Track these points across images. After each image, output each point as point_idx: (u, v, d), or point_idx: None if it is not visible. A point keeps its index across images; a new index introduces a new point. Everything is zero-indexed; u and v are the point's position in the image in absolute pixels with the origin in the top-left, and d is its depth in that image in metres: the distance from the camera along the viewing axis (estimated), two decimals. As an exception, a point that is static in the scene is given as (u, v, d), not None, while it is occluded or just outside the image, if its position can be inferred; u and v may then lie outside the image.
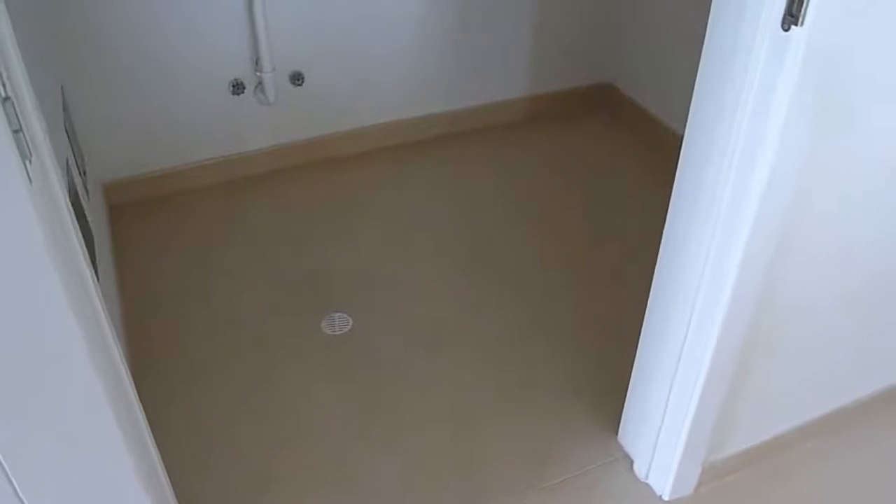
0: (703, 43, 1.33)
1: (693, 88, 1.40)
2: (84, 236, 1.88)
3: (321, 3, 2.54)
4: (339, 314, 2.23)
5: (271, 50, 2.47)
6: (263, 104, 2.60)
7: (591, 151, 2.95)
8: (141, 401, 1.33)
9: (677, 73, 2.77)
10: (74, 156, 2.12)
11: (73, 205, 1.80)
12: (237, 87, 2.57)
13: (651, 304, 1.65)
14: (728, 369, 1.58)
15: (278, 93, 2.58)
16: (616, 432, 1.92)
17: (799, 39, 1.14)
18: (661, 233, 1.55)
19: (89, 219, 2.05)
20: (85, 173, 2.26)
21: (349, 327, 2.20)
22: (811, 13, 1.11)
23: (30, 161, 0.80)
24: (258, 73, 2.52)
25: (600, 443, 1.92)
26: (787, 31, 1.15)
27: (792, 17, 1.13)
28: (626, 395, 1.84)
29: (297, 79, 2.61)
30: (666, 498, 1.79)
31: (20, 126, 0.75)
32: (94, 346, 0.98)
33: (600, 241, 2.52)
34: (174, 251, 2.47)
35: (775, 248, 1.40)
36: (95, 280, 1.08)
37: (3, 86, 0.76)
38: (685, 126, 1.44)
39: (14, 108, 0.75)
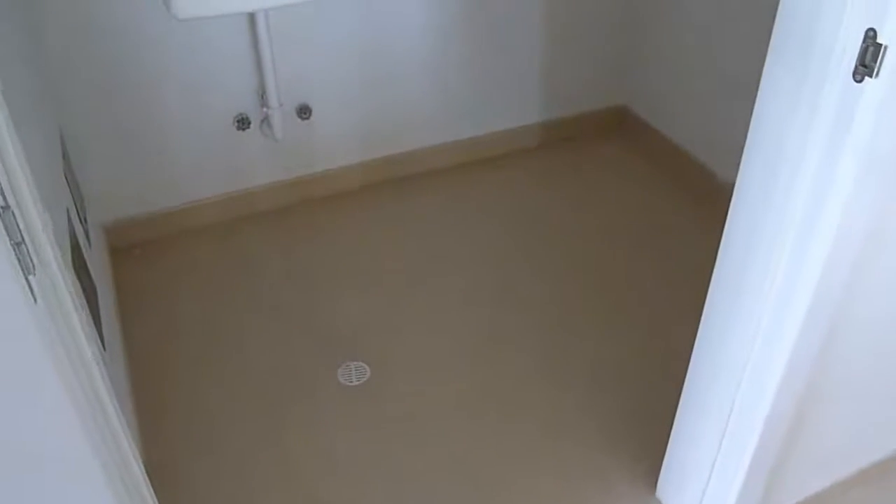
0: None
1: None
2: (86, 290, 1.78)
3: (329, 36, 2.45)
4: (355, 363, 2.13)
5: (278, 84, 2.38)
6: (270, 139, 2.50)
7: (606, 178, 2.85)
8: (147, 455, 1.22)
9: (693, 94, 2.69)
10: (75, 203, 2.02)
11: (74, 258, 1.70)
12: (242, 123, 2.47)
13: (691, 377, 1.56)
14: (779, 434, 1.48)
15: (285, 128, 2.48)
16: (654, 487, 1.82)
17: (873, 92, 1.04)
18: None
19: (91, 270, 1.95)
20: (86, 220, 2.16)
21: (366, 377, 2.10)
22: (888, 64, 1.01)
23: (33, 274, 0.69)
24: (264, 109, 2.42)
25: (636, 498, 1.82)
26: (859, 82, 1.05)
27: (865, 67, 1.03)
28: (662, 449, 1.74)
29: (304, 112, 2.52)
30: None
31: (22, 238, 0.65)
32: (113, 478, 0.87)
33: (621, 279, 2.42)
34: (180, 296, 2.37)
35: (831, 325, 1.31)
36: (116, 408, 0.96)
37: (3, 194, 0.66)
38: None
39: (15, 218, 0.65)
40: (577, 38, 2.83)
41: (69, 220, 1.81)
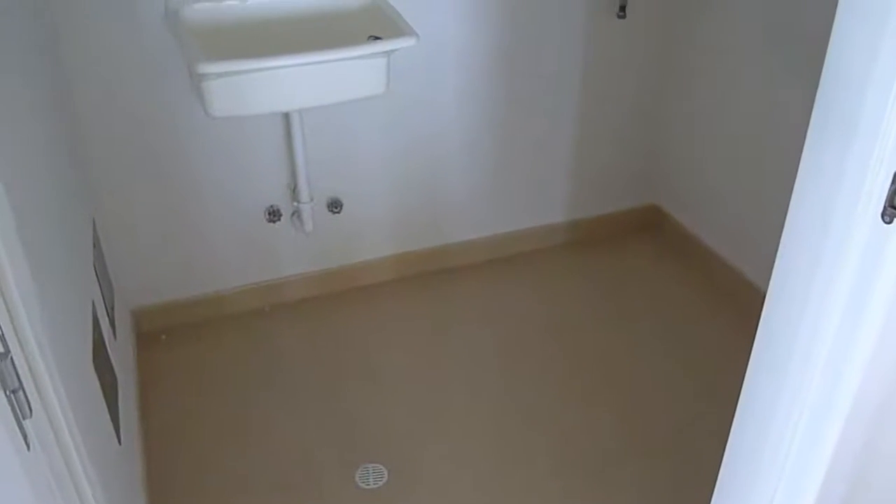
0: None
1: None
2: (106, 383, 1.78)
3: (361, 133, 2.48)
4: (373, 465, 2.09)
5: (309, 179, 2.40)
6: (300, 232, 2.52)
7: (635, 279, 2.82)
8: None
9: (725, 194, 2.66)
10: (102, 293, 2.03)
11: (95, 353, 1.70)
12: (273, 215, 2.49)
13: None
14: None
15: (315, 222, 2.50)
16: None
17: (902, 234, 1.01)
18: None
19: (113, 360, 1.95)
20: (113, 308, 2.17)
21: (384, 480, 2.05)
22: (917, 207, 0.99)
23: (30, 417, 0.68)
24: (295, 203, 2.44)
25: None
26: (888, 223, 1.02)
27: (895, 209, 1.01)
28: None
29: (335, 206, 2.53)
30: None
31: (19, 384, 0.64)
32: None
33: (650, 388, 2.36)
34: (203, 385, 2.36)
35: (865, 443, 1.25)
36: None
37: (3, 339, 0.66)
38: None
39: (13, 365, 0.65)
40: (608, 137, 2.84)
41: (94, 313, 1.82)
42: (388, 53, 2.01)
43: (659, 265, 2.87)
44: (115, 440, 1.74)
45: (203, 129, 2.30)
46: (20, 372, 0.66)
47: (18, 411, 0.65)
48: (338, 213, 2.55)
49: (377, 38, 2.04)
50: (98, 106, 2.19)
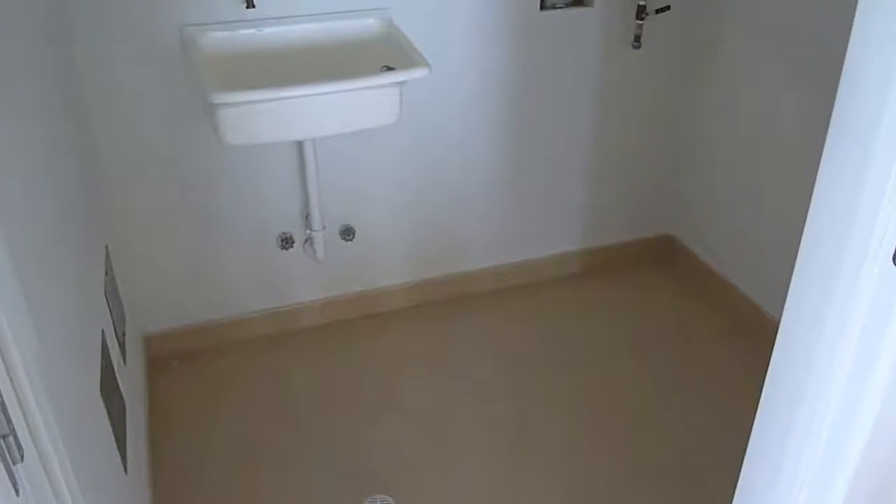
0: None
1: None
2: (115, 411, 1.78)
3: (375, 161, 2.49)
4: (381, 496, 2.07)
5: (322, 207, 2.40)
6: (312, 259, 2.51)
7: (649, 310, 2.79)
8: None
9: (741, 224, 2.64)
10: (113, 320, 2.04)
11: (103, 381, 1.70)
12: (286, 242, 2.49)
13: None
14: None
15: (328, 249, 2.49)
16: None
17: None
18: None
19: (122, 386, 1.95)
20: (124, 334, 2.17)
21: (392, 513, 2.04)
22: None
23: (21, 462, 0.68)
24: (308, 230, 2.44)
25: None
26: (901, 268, 1.00)
27: (906, 253, 0.99)
28: None
29: (347, 234, 2.53)
30: None
31: (10, 429, 0.64)
32: None
33: (661, 422, 2.34)
34: (213, 411, 2.36)
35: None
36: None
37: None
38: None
39: (4, 410, 0.64)
40: (623, 167, 2.83)
41: (103, 341, 1.82)
42: (400, 84, 2.02)
43: (674, 296, 2.85)
44: (122, 470, 1.74)
45: (217, 156, 2.31)
46: (12, 416, 0.66)
47: (8, 456, 0.65)
48: (350, 240, 2.54)
49: (390, 68, 2.05)
50: (114, 133, 2.20)
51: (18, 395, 0.69)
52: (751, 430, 1.36)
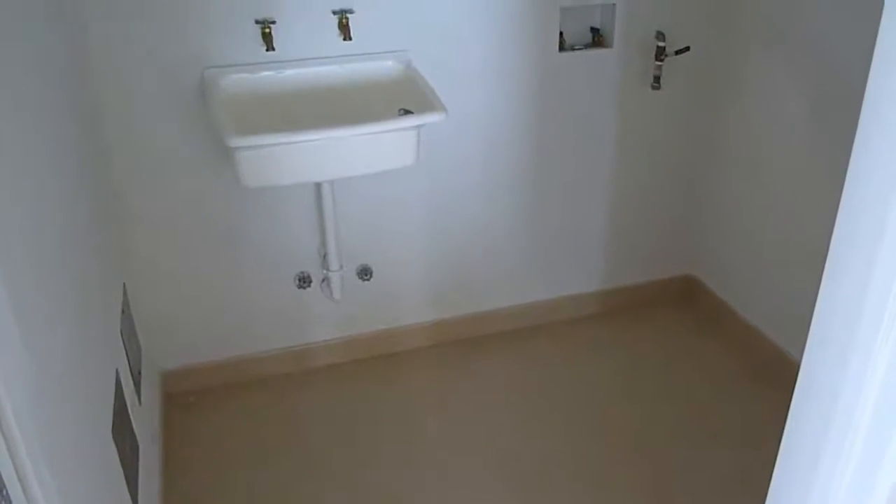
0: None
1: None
2: (127, 452, 1.78)
3: (392, 201, 2.49)
4: (393, 541, 2.05)
5: (339, 247, 2.41)
6: (329, 299, 2.51)
7: (669, 352, 2.76)
8: None
9: (762, 265, 2.62)
10: (128, 358, 2.04)
11: (115, 422, 1.70)
12: (304, 281, 2.50)
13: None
14: None
15: (345, 289, 2.49)
16: None
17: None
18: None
19: (136, 425, 1.95)
20: (140, 373, 2.18)
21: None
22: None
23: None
24: (325, 271, 2.44)
25: None
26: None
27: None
28: None
29: (365, 273, 2.53)
30: None
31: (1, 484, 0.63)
32: None
33: (680, 468, 2.30)
34: (228, 450, 2.35)
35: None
36: None
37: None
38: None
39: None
40: (643, 207, 2.82)
41: (117, 380, 1.82)
42: (418, 127, 2.02)
43: (694, 337, 2.82)
44: (132, 508, 1.73)
45: (235, 196, 2.32)
46: (3, 473, 0.65)
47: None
48: (368, 280, 2.54)
49: (408, 111, 2.06)
50: (134, 172, 2.23)
51: (9, 446, 0.69)
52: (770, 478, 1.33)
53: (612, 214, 2.78)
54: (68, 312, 1.50)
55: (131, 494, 1.75)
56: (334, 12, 2.17)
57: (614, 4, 2.44)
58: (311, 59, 2.20)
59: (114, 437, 1.67)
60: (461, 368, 2.68)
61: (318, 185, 2.31)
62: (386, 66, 2.24)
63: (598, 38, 2.52)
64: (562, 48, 2.45)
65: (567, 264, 2.83)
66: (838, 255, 1.10)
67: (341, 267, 2.43)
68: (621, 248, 2.87)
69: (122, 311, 2.09)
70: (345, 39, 2.16)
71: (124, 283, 2.20)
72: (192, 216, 2.34)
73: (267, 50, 2.13)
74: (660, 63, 2.51)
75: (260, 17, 2.12)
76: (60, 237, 1.54)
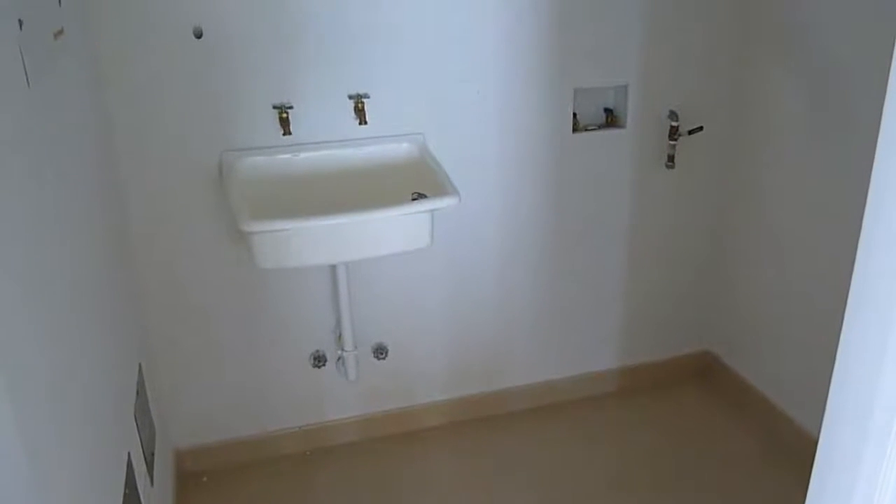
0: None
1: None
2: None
3: (407, 280, 2.51)
4: None
5: (354, 326, 2.41)
6: (344, 378, 2.51)
7: (688, 430, 2.72)
8: None
9: (781, 341, 2.59)
10: (141, 440, 2.04)
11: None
12: (319, 360, 2.50)
13: None
14: None
15: (360, 368, 2.49)
16: None
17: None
18: None
19: (148, 509, 1.94)
20: (153, 453, 2.17)
21: None
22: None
23: None
24: (340, 350, 2.44)
25: None
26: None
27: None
28: None
29: (380, 352, 2.53)
30: None
31: None
32: None
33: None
34: (239, 534, 2.33)
35: None
36: None
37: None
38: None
39: None
40: (660, 284, 2.81)
41: (129, 464, 1.82)
42: (431, 211, 2.04)
43: (713, 415, 2.78)
44: None
45: (251, 276, 2.34)
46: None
47: None
48: (383, 359, 2.54)
49: (421, 194, 2.08)
50: (152, 251, 2.26)
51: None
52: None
53: (629, 292, 2.78)
54: (79, 399, 1.50)
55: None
56: (350, 97, 2.21)
57: (627, 85, 2.47)
58: (326, 142, 2.24)
59: (124, 524, 1.66)
60: (479, 448, 2.66)
61: (332, 266, 2.32)
62: (401, 149, 2.27)
63: (611, 119, 2.54)
64: (575, 129, 2.48)
65: (584, 342, 2.82)
66: (852, 333, 1.10)
67: (356, 347, 2.43)
68: (638, 325, 2.85)
69: (137, 393, 2.10)
70: (360, 123, 2.20)
71: (140, 363, 2.21)
72: (209, 294, 2.36)
73: (284, 134, 2.17)
74: (673, 142, 2.53)
75: (277, 103, 2.17)
76: (77, 322, 1.56)
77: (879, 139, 0.98)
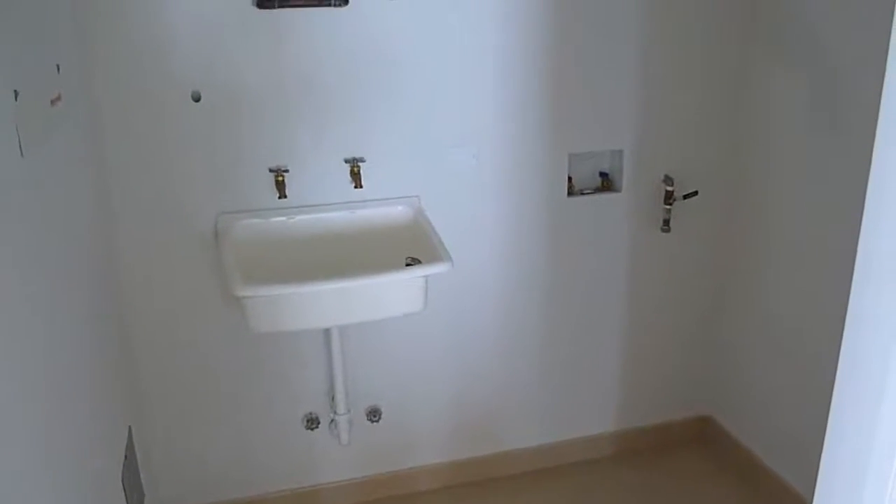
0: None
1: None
2: None
3: (401, 343, 2.50)
4: None
5: (347, 389, 2.40)
6: (337, 441, 2.49)
7: (685, 497, 2.68)
8: None
9: (781, 407, 2.56)
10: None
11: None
12: (311, 423, 2.48)
13: None
14: None
15: (354, 431, 2.47)
16: None
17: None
18: None
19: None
20: (141, 518, 2.15)
21: None
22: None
23: None
24: (332, 413, 2.42)
25: None
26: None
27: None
28: None
29: (374, 415, 2.51)
30: None
31: None
32: None
33: None
34: None
35: None
36: None
37: None
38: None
39: None
40: (657, 348, 2.79)
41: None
42: (424, 276, 2.04)
43: (711, 481, 2.74)
44: None
45: (245, 337, 2.33)
46: None
47: None
48: (377, 421, 2.52)
49: (416, 259, 2.08)
50: (145, 313, 2.25)
51: None
52: None
53: (626, 356, 2.76)
54: (65, 474, 1.49)
55: None
56: (346, 161, 2.23)
57: (622, 150, 2.49)
58: (322, 205, 2.25)
59: None
60: (472, 512, 2.62)
61: (326, 330, 2.32)
62: (396, 212, 2.28)
63: (606, 183, 2.56)
64: (571, 193, 2.49)
65: (581, 405, 2.79)
66: (841, 407, 1.10)
67: (349, 410, 2.41)
68: (636, 388, 2.83)
69: (126, 457, 2.08)
70: (356, 187, 2.21)
71: (130, 427, 2.19)
72: (203, 355, 2.34)
73: (279, 197, 2.18)
74: (668, 206, 2.53)
75: (274, 166, 2.18)
76: (67, 390, 1.55)
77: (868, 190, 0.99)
